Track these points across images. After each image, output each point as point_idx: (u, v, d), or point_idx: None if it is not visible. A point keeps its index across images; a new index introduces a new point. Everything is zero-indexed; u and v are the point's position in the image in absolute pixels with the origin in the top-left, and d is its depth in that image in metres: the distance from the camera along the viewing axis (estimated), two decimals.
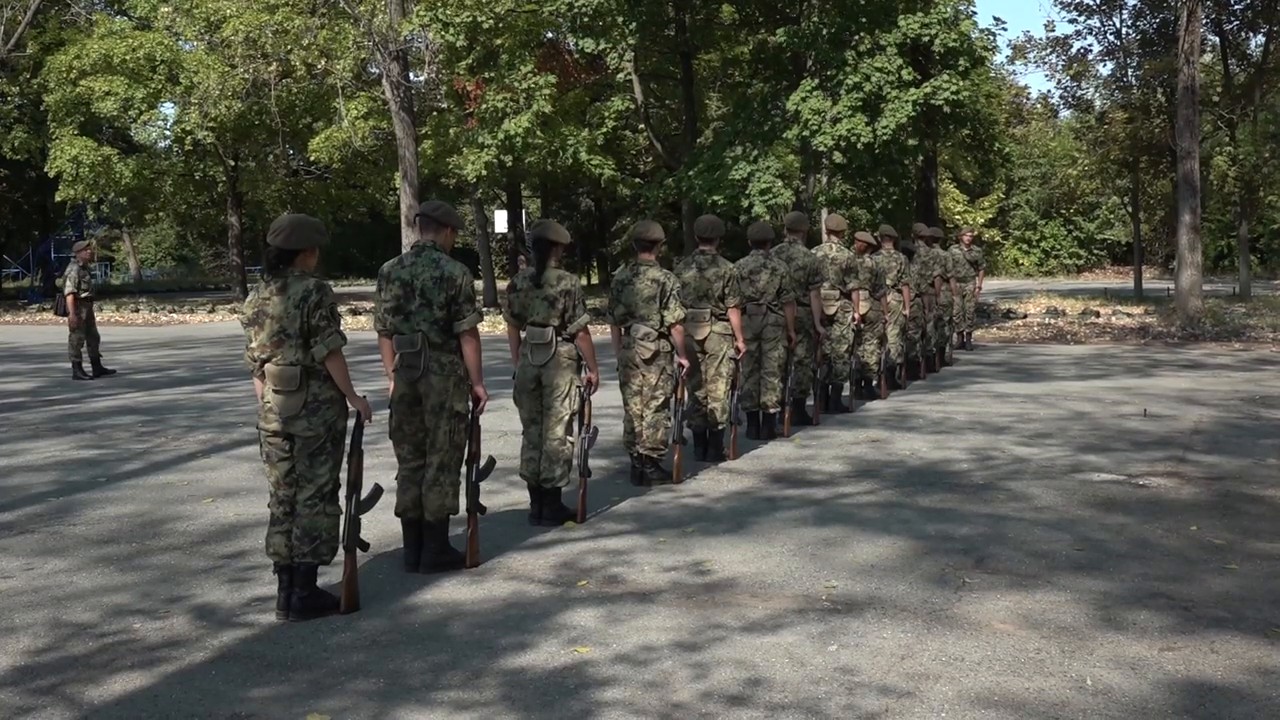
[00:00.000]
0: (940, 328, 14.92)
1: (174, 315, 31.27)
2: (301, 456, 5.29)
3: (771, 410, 9.90)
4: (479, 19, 23.70)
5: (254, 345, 5.31)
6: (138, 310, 32.85)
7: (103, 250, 67.75)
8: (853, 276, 11.33)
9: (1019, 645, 4.78)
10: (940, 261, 14.70)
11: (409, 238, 24.67)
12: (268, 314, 5.25)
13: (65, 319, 15.90)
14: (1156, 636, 4.87)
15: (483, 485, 6.14)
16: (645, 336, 7.88)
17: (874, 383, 12.35)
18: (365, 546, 5.45)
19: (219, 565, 6.18)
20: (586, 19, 23.71)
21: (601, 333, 17.98)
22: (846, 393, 11.90)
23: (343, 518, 5.39)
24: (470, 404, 6.05)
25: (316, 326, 5.19)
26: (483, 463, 6.14)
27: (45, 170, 34.68)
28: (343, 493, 5.40)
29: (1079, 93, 32.60)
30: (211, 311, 31.67)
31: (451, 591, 5.65)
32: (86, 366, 15.91)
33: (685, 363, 8.12)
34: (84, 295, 15.82)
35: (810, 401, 10.90)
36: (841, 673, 4.51)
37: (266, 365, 5.28)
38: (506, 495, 7.71)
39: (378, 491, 5.56)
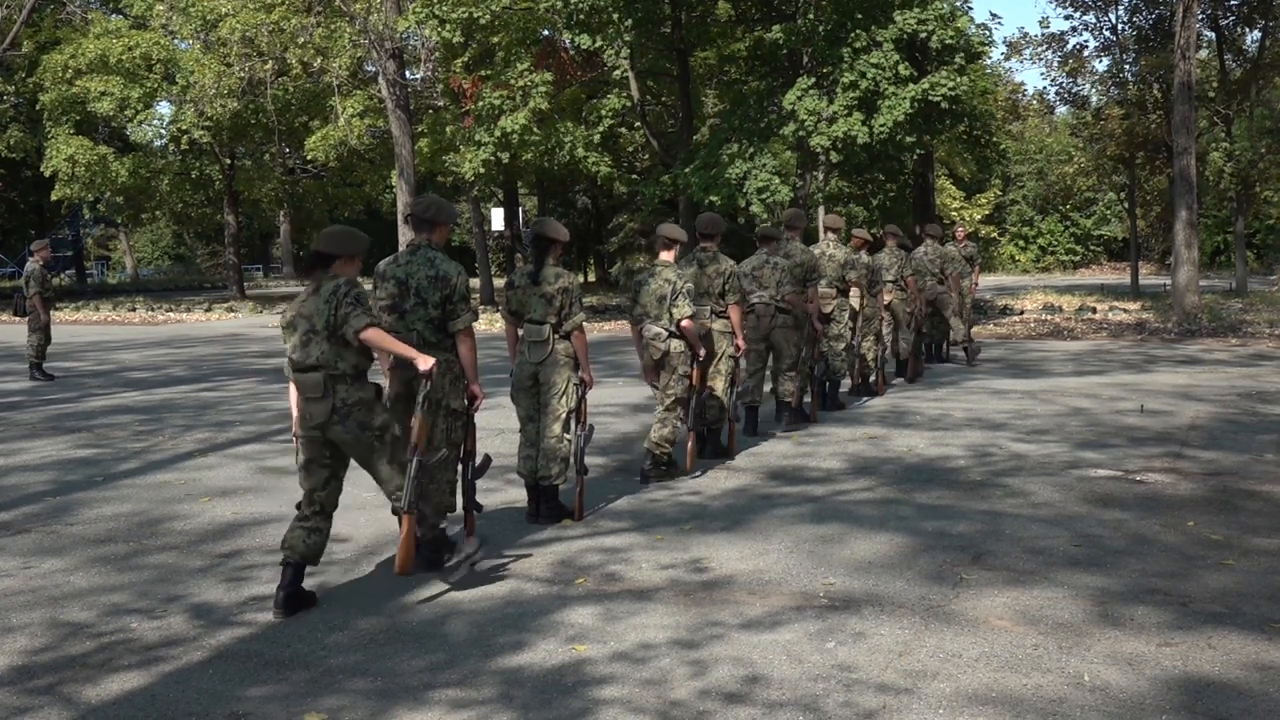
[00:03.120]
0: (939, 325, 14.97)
1: (170, 314, 31.15)
2: (357, 461, 5.46)
3: (787, 399, 10.12)
4: (475, 15, 23.64)
5: (289, 348, 5.41)
6: (134, 309, 32.71)
7: (99, 249, 67.64)
8: (850, 272, 11.33)
9: (1016, 642, 4.79)
10: (944, 257, 14.77)
11: (405, 236, 24.61)
12: (302, 315, 5.37)
13: (26, 319, 15.72)
14: (1154, 633, 4.87)
15: (479, 483, 6.18)
16: (655, 337, 7.97)
17: (871, 379, 12.35)
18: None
19: (216, 564, 6.17)
20: (583, 15, 23.67)
21: (598, 330, 18.00)
22: (845, 389, 11.89)
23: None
24: (466, 402, 6.05)
25: (344, 315, 5.25)
26: (479, 460, 6.13)
27: (41, 169, 34.62)
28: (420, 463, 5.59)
29: (1075, 89, 32.59)
30: (208, 310, 31.56)
31: (448, 590, 5.64)
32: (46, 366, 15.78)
33: (702, 352, 8.16)
34: (47, 294, 15.77)
35: (808, 399, 10.90)
36: (839, 670, 4.51)
37: (295, 373, 5.37)
38: (503, 493, 7.71)
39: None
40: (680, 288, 7.96)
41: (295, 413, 5.42)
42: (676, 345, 7.99)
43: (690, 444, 8.30)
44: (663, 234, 8.25)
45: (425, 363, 5.44)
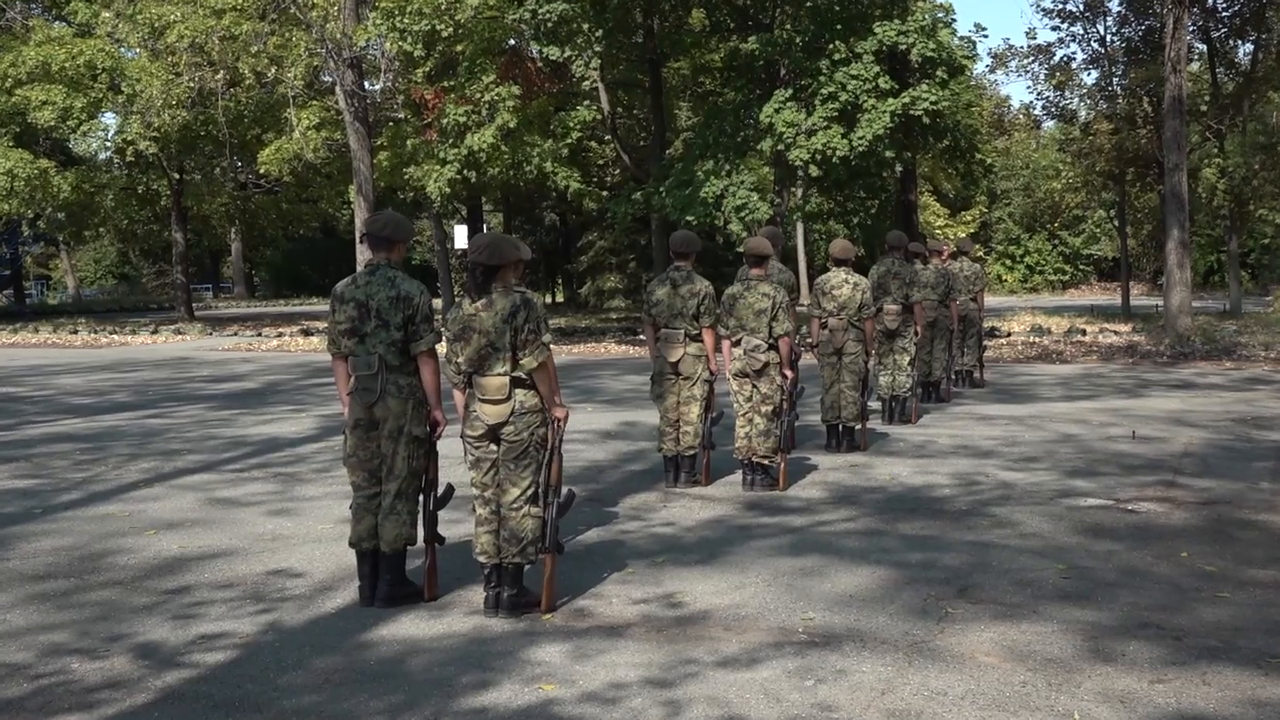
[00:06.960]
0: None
1: (115, 336, 30.21)
2: (503, 460, 5.66)
3: (851, 424, 10.32)
4: (438, 27, 23.29)
5: (462, 360, 5.62)
6: (76, 331, 31.50)
7: (39, 268, 66.47)
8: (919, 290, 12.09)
9: (1004, 678, 4.71)
10: (948, 277, 14.63)
11: (363, 254, 24.28)
12: (473, 329, 5.54)
13: None
14: (1147, 668, 4.81)
15: (441, 514, 6.00)
16: (755, 349, 8.41)
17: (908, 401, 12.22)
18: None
19: (162, 601, 5.99)
20: (551, 25, 23.25)
21: (566, 354, 17.75)
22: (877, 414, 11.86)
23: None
24: (428, 429, 5.88)
25: (524, 340, 5.55)
26: (441, 490, 5.96)
27: None
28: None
29: (1063, 103, 32.37)
30: (155, 332, 30.52)
31: (409, 627, 5.53)
32: None
33: (789, 372, 8.60)
34: None
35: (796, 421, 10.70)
36: (820, 709, 4.43)
37: (477, 376, 5.59)
38: (466, 525, 7.42)
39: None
40: (780, 302, 8.44)
41: (462, 416, 5.74)
42: (774, 357, 8.47)
43: (782, 466, 8.61)
44: (751, 250, 8.70)
45: (559, 412, 5.70)
